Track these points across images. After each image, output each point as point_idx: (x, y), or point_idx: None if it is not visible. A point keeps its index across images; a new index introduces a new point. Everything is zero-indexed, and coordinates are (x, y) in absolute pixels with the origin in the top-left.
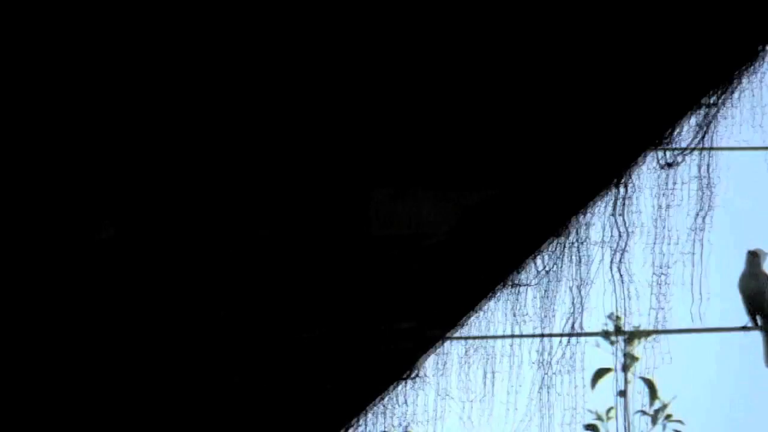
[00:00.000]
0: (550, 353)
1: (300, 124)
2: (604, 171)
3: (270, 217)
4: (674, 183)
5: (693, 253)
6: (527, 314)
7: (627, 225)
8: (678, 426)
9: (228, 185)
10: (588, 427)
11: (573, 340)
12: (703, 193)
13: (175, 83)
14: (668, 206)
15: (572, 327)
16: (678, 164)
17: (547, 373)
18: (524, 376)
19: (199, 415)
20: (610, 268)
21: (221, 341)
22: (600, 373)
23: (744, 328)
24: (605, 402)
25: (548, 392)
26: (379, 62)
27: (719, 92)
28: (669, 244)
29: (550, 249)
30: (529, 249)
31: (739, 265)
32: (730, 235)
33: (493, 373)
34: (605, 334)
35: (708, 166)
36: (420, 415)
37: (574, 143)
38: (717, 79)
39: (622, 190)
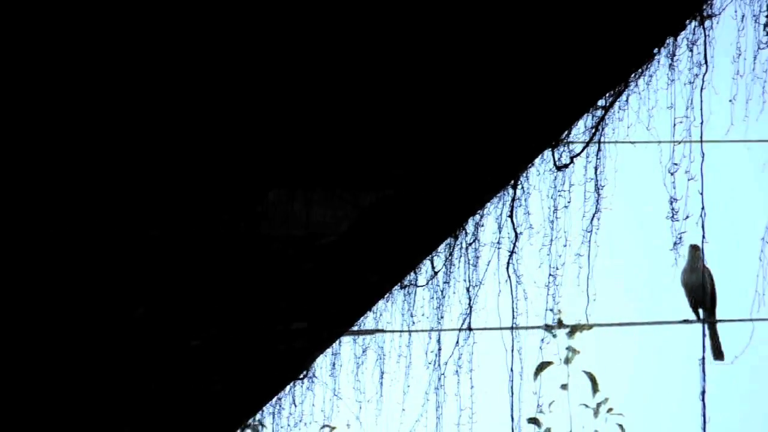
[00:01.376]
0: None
1: (194, 125)
2: (498, 172)
3: (161, 217)
4: (566, 184)
5: (584, 254)
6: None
7: (519, 226)
8: (619, 419)
9: (117, 184)
10: (531, 420)
11: (464, 341)
12: (595, 195)
13: (59, 80)
14: (560, 207)
15: (465, 326)
16: (570, 166)
17: (441, 374)
18: (418, 376)
19: (93, 417)
20: (505, 268)
21: (113, 342)
22: (542, 367)
23: (685, 321)
24: (548, 395)
25: (442, 393)
26: (273, 64)
27: (612, 95)
28: (561, 245)
29: (443, 250)
30: (423, 250)
31: (633, 265)
32: (621, 235)
33: (384, 373)
34: (547, 328)
35: (599, 167)
36: (313, 416)
37: (468, 145)
38: (610, 81)
39: (515, 191)
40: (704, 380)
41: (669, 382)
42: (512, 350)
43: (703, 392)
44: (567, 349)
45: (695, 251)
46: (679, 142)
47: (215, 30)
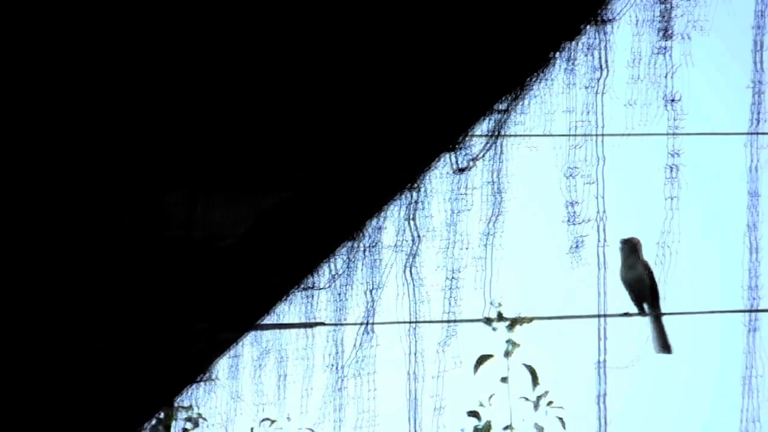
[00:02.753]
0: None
1: (93, 126)
2: (398, 175)
3: (62, 219)
4: (466, 188)
5: (484, 258)
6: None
7: (419, 229)
8: (559, 412)
9: (14, 186)
10: (471, 413)
11: (366, 344)
12: (494, 198)
13: None
14: (460, 211)
15: (365, 330)
16: (470, 169)
17: (340, 376)
18: (317, 379)
19: None
20: (403, 271)
21: (13, 343)
22: (482, 359)
23: (626, 314)
24: (488, 389)
25: (345, 395)
26: (176, 66)
27: (511, 98)
28: (461, 248)
29: (343, 252)
30: (323, 252)
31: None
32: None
33: (286, 375)
34: (487, 321)
35: (499, 171)
36: (213, 418)
37: (367, 147)
38: (509, 85)
39: (414, 194)
40: (604, 383)
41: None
42: (413, 352)
43: (601, 395)
44: (507, 342)
45: (624, 245)
46: (577, 136)
47: (117, 29)
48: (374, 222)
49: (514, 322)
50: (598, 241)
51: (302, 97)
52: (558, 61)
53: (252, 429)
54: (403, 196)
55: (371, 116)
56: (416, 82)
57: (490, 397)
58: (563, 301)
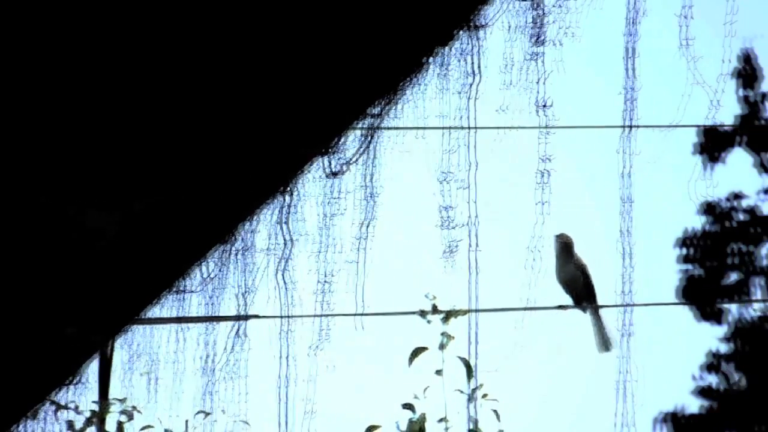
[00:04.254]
0: (214, 360)
1: None
2: (270, 178)
3: None
4: (339, 192)
5: (357, 262)
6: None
7: (292, 233)
8: (494, 405)
9: None
10: (405, 405)
11: (237, 347)
12: (367, 203)
13: None
14: (333, 215)
15: (237, 333)
16: (343, 173)
17: (210, 380)
18: (188, 382)
19: None
20: (276, 275)
21: None
22: (417, 352)
23: (560, 307)
24: (423, 381)
25: (216, 399)
26: (42, 66)
27: (384, 103)
28: (334, 252)
29: (215, 256)
30: (194, 255)
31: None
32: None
33: (157, 379)
34: (422, 313)
35: (372, 175)
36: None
37: (240, 150)
38: (382, 89)
39: (287, 198)
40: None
41: (542, 369)
42: (286, 357)
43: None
44: (442, 334)
45: (559, 243)
46: (451, 129)
47: None
48: (247, 225)
49: (449, 315)
50: (477, 245)
51: (172, 100)
52: (431, 66)
53: (186, 421)
54: (276, 200)
55: (243, 119)
56: (289, 85)
57: (425, 389)
58: (439, 305)
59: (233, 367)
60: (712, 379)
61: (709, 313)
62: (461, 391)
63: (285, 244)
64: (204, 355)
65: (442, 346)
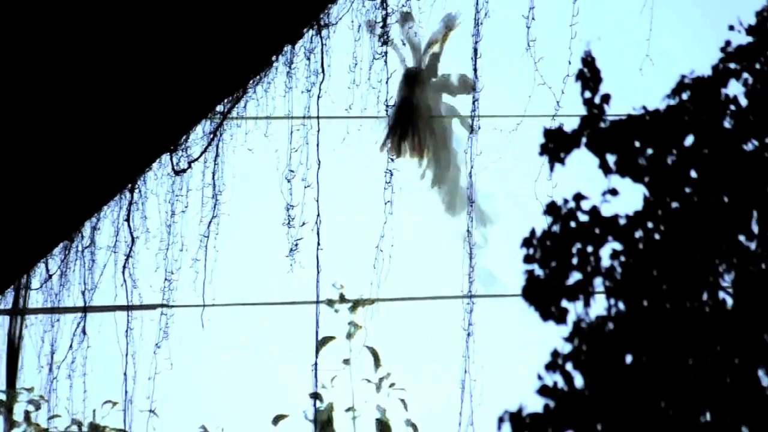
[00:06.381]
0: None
1: None
2: (115, 176)
3: None
4: (183, 189)
5: (201, 260)
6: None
7: (136, 230)
8: (401, 393)
9: None
10: (312, 395)
11: (84, 345)
12: (212, 201)
13: None
14: (178, 212)
15: (79, 330)
16: (188, 170)
17: (54, 378)
18: (32, 380)
19: None
20: (122, 272)
21: None
22: (324, 341)
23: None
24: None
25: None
26: None
27: (230, 101)
28: (179, 249)
29: (59, 252)
30: (39, 252)
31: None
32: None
33: None
34: (329, 303)
35: (216, 173)
36: None
37: (85, 146)
38: (227, 87)
39: (132, 195)
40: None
41: (450, 357)
42: (128, 354)
43: None
44: (349, 324)
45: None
46: (300, 117)
47: None
48: (91, 222)
49: (356, 304)
50: (318, 244)
51: (18, 95)
52: (278, 65)
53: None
54: (121, 197)
55: (88, 116)
56: (135, 83)
57: (333, 378)
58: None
59: (75, 365)
60: (555, 378)
61: (551, 312)
62: (369, 380)
63: (129, 241)
64: (47, 351)
65: (349, 336)
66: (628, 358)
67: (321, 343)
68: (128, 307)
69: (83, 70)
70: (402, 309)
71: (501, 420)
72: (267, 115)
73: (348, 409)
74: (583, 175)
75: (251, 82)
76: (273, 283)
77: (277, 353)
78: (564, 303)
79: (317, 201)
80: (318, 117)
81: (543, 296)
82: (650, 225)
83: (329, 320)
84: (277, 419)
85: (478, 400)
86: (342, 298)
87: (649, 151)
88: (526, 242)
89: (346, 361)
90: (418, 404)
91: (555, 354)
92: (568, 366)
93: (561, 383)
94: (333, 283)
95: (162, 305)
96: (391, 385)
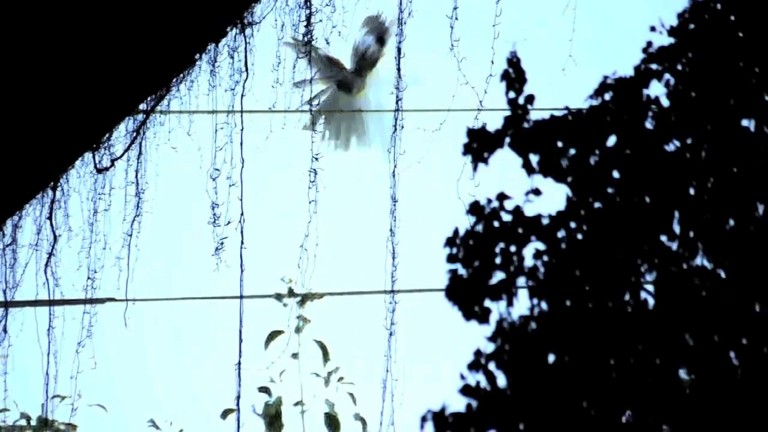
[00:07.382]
0: None
1: None
2: (37, 173)
3: None
4: (105, 188)
5: (125, 258)
6: None
7: (58, 228)
8: (350, 388)
9: None
10: (261, 389)
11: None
12: (136, 199)
13: None
14: (101, 210)
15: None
16: (111, 168)
17: None
18: None
19: None
20: (44, 271)
21: None
22: (273, 335)
23: (434, 290)
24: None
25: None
26: None
27: (153, 99)
28: (101, 248)
29: None
30: None
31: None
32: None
33: None
34: (278, 297)
35: (139, 171)
36: None
37: (5, 144)
38: (151, 85)
39: (54, 193)
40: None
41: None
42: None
43: None
44: (298, 318)
45: None
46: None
47: None
48: (12, 220)
49: (305, 298)
50: (242, 243)
51: None
52: (202, 63)
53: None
54: (43, 195)
55: (10, 114)
56: (57, 81)
57: (281, 372)
58: (208, 303)
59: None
60: (477, 378)
61: (475, 312)
62: (317, 374)
63: (51, 239)
64: None
65: (298, 330)
66: (551, 358)
67: (270, 337)
68: (50, 302)
69: (1, 66)
70: (336, 304)
71: (424, 419)
72: (191, 110)
73: (296, 404)
74: (506, 174)
75: (174, 80)
76: (198, 282)
77: (210, 350)
78: (487, 303)
79: (241, 200)
80: (242, 111)
81: (466, 296)
82: (573, 225)
83: (277, 314)
84: (225, 413)
85: (399, 399)
86: (291, 293)
87: (572, 151)
88: (450, 242)
89: (295, 356)
90: (367, 398)
91: (478, 353)
92: (491, 366)
93: (484, 383)
94: (282, 278)
95: (86, 300)
96: (340, 379)
